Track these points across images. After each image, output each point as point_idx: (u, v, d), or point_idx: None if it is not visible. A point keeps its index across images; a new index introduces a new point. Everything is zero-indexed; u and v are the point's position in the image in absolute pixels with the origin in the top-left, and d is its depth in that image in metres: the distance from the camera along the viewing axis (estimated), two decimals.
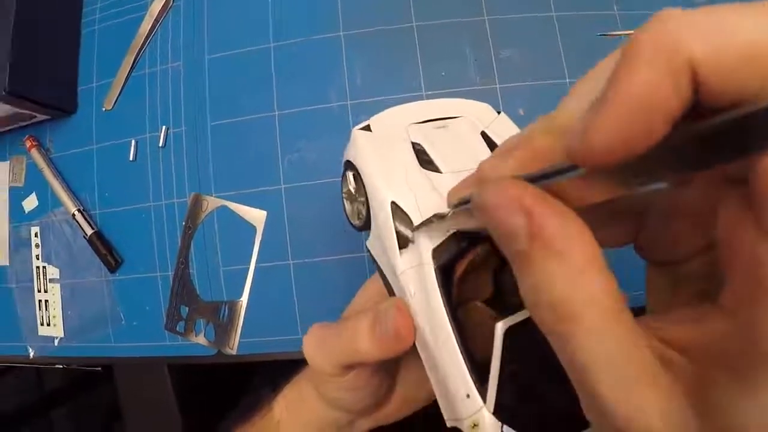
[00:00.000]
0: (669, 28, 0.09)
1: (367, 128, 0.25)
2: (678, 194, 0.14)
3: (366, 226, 0.24)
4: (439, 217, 0.19)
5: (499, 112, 0.28)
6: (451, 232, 0.20)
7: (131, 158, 0.47)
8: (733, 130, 0.09)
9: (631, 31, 0.46)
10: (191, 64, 0.47)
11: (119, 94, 0.48)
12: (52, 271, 0.49)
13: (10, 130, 0.49)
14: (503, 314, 0.19)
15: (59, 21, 0.48)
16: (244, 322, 0.44)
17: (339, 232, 0.43)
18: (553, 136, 0.13)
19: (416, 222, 0.21)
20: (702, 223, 0.14)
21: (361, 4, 0.45)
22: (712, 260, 0.14)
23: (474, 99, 0.28)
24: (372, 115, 0.44)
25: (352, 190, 0.25)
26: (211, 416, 0.56)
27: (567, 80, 0.45)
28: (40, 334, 0.49)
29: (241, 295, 0.44)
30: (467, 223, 0.18)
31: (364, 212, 0.24)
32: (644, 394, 0.11)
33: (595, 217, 0.12)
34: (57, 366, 0.51)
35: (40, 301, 0.49)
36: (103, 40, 0.49)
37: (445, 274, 0.20)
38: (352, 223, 0.26)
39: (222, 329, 0.44)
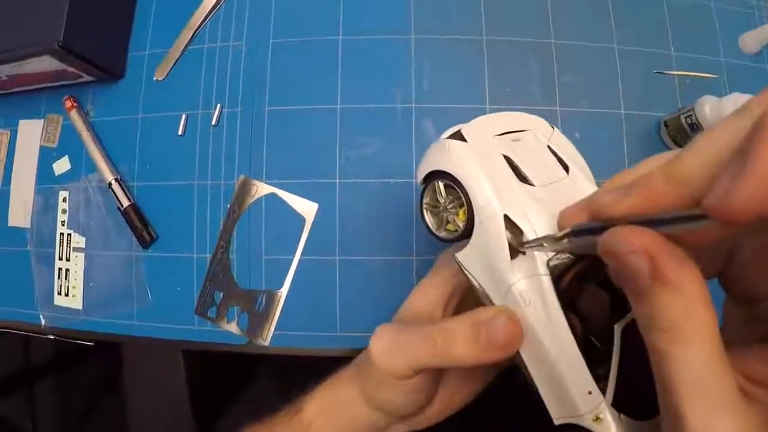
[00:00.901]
0: None
1: (458, 135, 0.25)
2: (767, 241, 0.16)
3: (459, 237, 0.24)
4: (551, 239, 0.20)
5: (553, 127, 0.28)
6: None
7: (180, 133, 0.45)
8: None
9: (686, 73, 0.48)
10: (254, 45, 0.46)
11: (173, 66, 0.46)
12: (77, 240, 0.46)
13: (49, 87, 0.47)
14: (582, 318, 0.21)
15: None
16: (281, 313, 0.43)
17: (389, 233, 0.43)
18: (673, 185, 0.14)
19: (528, 235, 0.21)
20: None
21: (434, 10, 0.46)
22: None
23: (541, 117, 0.28)
24: (436, 120, 0.44)
25: (441, 201, 0.25)
26: (219, 401, 0.54)
27: (622, 111, 0.46)
28: (55, 303, 0.46)
29: (281, 285, 0.43)
30: (579, 250, 0.20)
31: (459, 224, 0.24)
32: (725, 420, 0.13)
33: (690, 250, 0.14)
34: (48, 336, 0.49)
35: (60, 269, 0.46)
36: (162, 8, 0.48)
37: (555, 282, 0.21)
38: (437, 235, 0.26)
39: (257, 319, 0.43)
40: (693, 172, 0.13)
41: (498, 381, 0.29)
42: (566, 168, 0.25)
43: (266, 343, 0.43)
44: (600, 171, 0.44)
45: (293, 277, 0.43)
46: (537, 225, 0.21)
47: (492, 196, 0.22)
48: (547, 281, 0.21)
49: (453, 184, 0.24)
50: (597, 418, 0.20)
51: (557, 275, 0.21)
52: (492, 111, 0.45)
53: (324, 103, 0.44)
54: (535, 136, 0.27)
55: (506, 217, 0.22)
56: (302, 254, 0.43)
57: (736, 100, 0.41)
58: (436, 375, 0.26)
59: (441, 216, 0.26)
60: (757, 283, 0.17)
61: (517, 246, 0.21)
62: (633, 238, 0.14)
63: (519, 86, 0.45)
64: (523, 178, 0.24)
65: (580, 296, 0.22)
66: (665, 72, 0.48)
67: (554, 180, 0.24)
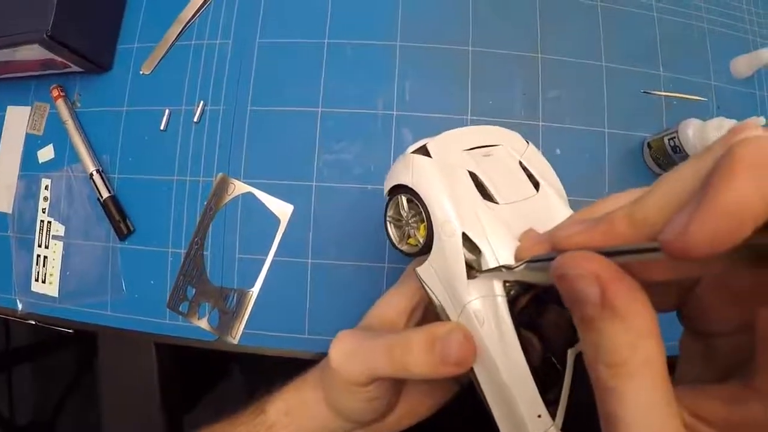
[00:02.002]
0: (765, 144, 0.11)
1: (423, 150, 0.25)
2: (727, 277, 0.16)
3: (419, 252, 0.24)
4: (507, 268, 0.20)
5: (527, 142, 0.28)
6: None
7: (162, 127, 0.45)
8: None
9: (674, 94, 0.47)
10: (240, 44, 0.46)
11: (160, 61, 0.46)
12: (57, 228, 0.47)
13: (38, 75, 0.47)
14: (542, 338, 0.21)
15: None
16: (251, 313, 0.43)
17: (362, 239, 0.43)
18: (634, 227, 0.14)
19: (486, 255, 0.21)
20: (743, 306, 0.15)
21: (421, 19, 0.46)
22: (746, 341, 0.15)
23: (518, 133, 0.28)
24: (416, 129, 0.44)
25: (404, 215, 0.25)
26: (188, 397, 0.55)
27: (606, 129, 0.46)
28: (32, 289, 0.47)
29: (253, 285, 0.43)
30: (534, 278, 0.20)
31: (419, 239, 0.24)
32: None
33: (650, 284, 0.14)
34: (29, 322, 0.49)
35: (38, 256, 0.47)
36: (153, 2, 0.48)
37: (511, 303, 0.21)
38: (398, 248, 0.26)
39: (227, 317, 0.43)
40: (653, 213, 0.13)
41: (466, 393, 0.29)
42: (537, 185, 0.25)
43: (235, 341, 0.43)
44: (579, 189, 0.44)
45: (265, 277, 0.43)
46: (496, 245, 0.21)
47: (452, 213, 0.22)
48: (502, 302, 0.21)
49: (415, 199, 0.24)
50: None
51: (514, 296, 0.21)
52: (473, 123, 0.45)
53: (305, 106, 0.44)
54: (508, 151, 0.27)
55: (465, 235, 0.22)
56: (275, 255, 0.43)
57: (720, 124, 0.41)
58: (396, 384, 0.26)
59: (403, 230, 0.26)
60: (715, 318, 0.17)
61: (476, 267, 0.21)
62: (584, 262, 0.14)
63: (502, 99, 0.45)
64: (488, 195, 0.23)
65: (542, 316, 0.22)
66: (652, 92, 0.47)
67: (522, 198, 0.24)
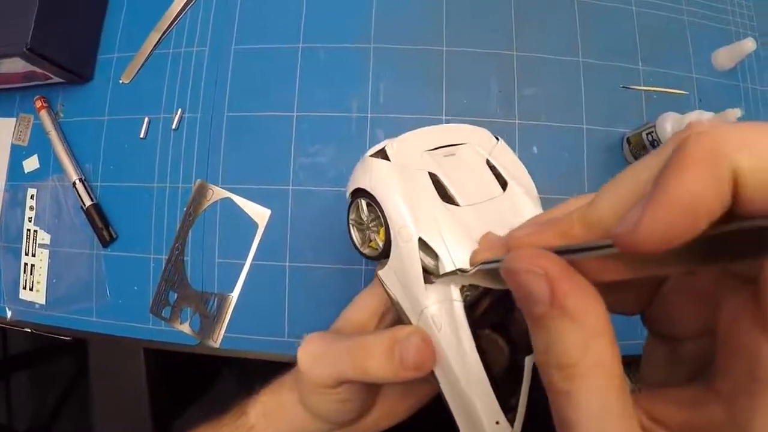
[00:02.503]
0: (719, 138, 0.10)
1: (382, 153, 0.25)
2: (690, 279, 0.15)
3: (380, 256, 0.24)
4: (462, 271, 0.20)
5: (497, 138, 0.28)
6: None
7: (142, 135, 0.46)
8: (751, 236, 0.10)
9: (654, 88, 0.47)
10: (216, 51, 0.46)
11: (139, 70, 0.47)
12: (43, 236, 0.48)
13: (22, 87, 0.48)
14: (510, 341, 0.21)
15: None
16: (231, 316, 0.44)
17: (338, 242, 0.43)
18: (587, 228, 0.13)
19: (444, 260, 0.21)
20: (706, 309, 0.15)
21: (394, 20, 0.46)
22: (710, 344, 0.15)
23: (492, 131, 0.28)
24: (390, 130, 0.44)
25: (364, 219, 0.25)
26: (177, 401, 0.55)
27: (584, 126, 0.46)
28: (20, 297, 0.48)
29: (232, 289, 0.44)
30: (488, 282, 0.19)
31: (379, 243, 0.24)
32: None
33: (612, 286, 0.14)
34: (26, 330, 0.50)
35: (26, 264, 0.48)
36: (131, 12, 0.49)
37: (468, 308, 0.21)
38: (360, 252, 0.26)
39: (208, 321, 0.44)
40: (607, 213, 0.13)
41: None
42: (505, 184, 0.25)
43: (216, 345, 0.44)
44: (558, 187, 0.44)
45: (244, 281, 0.44)
46: (454, 249, 0.21)
47: (408, 218, 0.22)
48: (458, 307, 0.20)
49: (373, 203, 0.24)
50: None
51: (472, 301, 0.21)
52: (449, 122, 0.45)
53: (281, 110, 0.45)
54: (474, 149, 0.26)
55: (422, 240, 0.21)
56: (254, 259, 0.44)
57: (698, 117, 0.40)
58: (370, 385, 0.26)
59: (365, 233, 0.26)
60: (679, 321, 0.16)
61: (434, 272, 0.21)
62: (534, 258, 0.13)
63: (477, 98, 0.45)
64: (449, 197, 0.23)
65: (509, 319, 0.22)
66: (632, 87, 0.47)
67: (486, 198, 0.24)
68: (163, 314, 0.45)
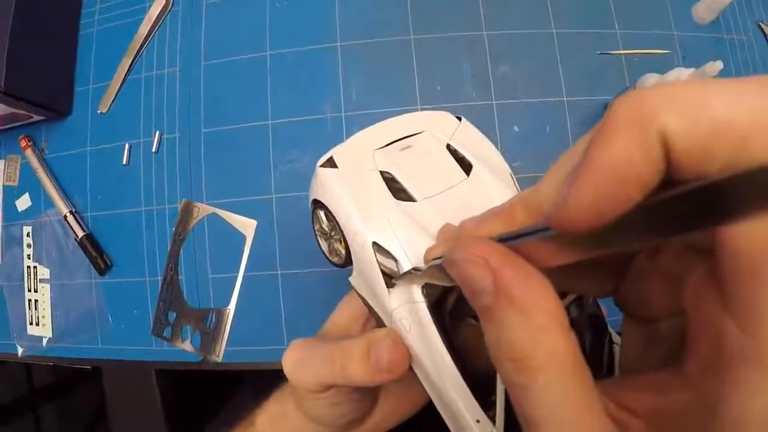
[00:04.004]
0: (644, 100, 0.09)
1: (331, 162, 0.24)
2: (655, 256, 0.15)
3: (345, 264, 0.24)
4: (416, 270, 0.19)
5: (459, 119, 0.27)
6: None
7: (124, 162, 0.47)
8: (696, 200, 0.09)
9: (633, 51, 0.45)
10: (187, 69, 0.47)
11: (115, 98, 0.48)
12: (43, 272, 0.49)
13: (6, 129, 0.49)
14: None
15: (57, 22, 0.48)
16: (230, 330, 0.44)
17: None
18: (529, 212, 0.13)
19: (401, 261, 0.20)
20: (674, 287, 0.14)
21: (359, 16, 0.45)
22: (683, 324, 0.14)
23: (470, 115, 0.27)
24: (365, 127, 0.44)
25: (326, 228, 0.25)
26: (195, 422, 0.56)
27: (564, 98, 0.44)
28: (29, 333, 0.49)
29: (228, 303, 0.44)
30: (440, 278, 0.19)
31: (342, 250, 0.23)
32: None
33: (578, 269, 0.13)
34: (48, 363, 0.52)
35: (29, 300, 0.49)
36: (101, 42, 0.49)
37: (436, 306, 0.20)
38: (330, 260, 0.25)
39: (208, 336, 0.44)
40: (545, 195, 0.12)
41: None
42: (469, 167, 0.24)
43: (219, 359, 0.44)
44: (542, 164, 0.43)
45: (239, 293, 0.44)
46: (409, 248, 0.20)
47: (360, 224, 0.22)
48: (422, 308, 0.20)
49: (329, 212, 0.23)
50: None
51: (436, 299, 0.20)
52: (424, 111, 0.44)
53: (257, 120, 0.45)
54: (432, 137, 0.25)
55: (377, 244, 0.21)
56: (246, 270, 0.44)
57: (678, 75, 0.39)
58: (361, 388, 0.26)
59: (330, 242, 0.25)
60: (649, 302, 0.15)
61: (394, 274, 0.21)
62: (473, 247, 0.12)
63: (450, 83, 0.44)
64: (405, 194, 0.23)
65: (463, 310, 0.21)
66: (610, 52, 0.45)
67: (447, 187, 0.23)
68: (164, 334, 0.45)
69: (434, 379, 0.20)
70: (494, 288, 0.12)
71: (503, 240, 0.13)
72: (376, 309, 0.23)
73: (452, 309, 0.20)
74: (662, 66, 0.44)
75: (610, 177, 0.09)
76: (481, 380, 0.19)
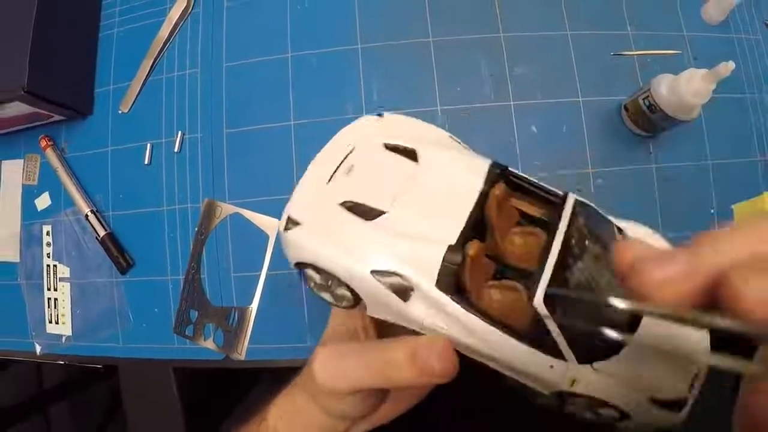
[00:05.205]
0: None
1: (292, 222, 0.24)
2: None
3: (356, 302, 0.24)
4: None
5: (380, 115, 0.27)
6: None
7: (146, 162, 0.47)
8: None
9: (645, 52, 0.46)
10: (209, 70, 0.47)
11: (136, 98, 0.48)
12: (63, 270, 0.49)
13: (26, 128, 0.50)
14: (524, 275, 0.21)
15: (78, 23, 0.49)
16: (253, 328, 0.44)
17: None
18: None
19: (405, 273, 0.21)
20: None
21: (379, 18, 0.46)
22: None
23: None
24: None
25: (321, 282, 0.24)
26: (213, 421, 0.56)
27: (580, 99, 0.45)
28: (48, 331, 0.49)
29: (251, 301, 0.44)
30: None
31: (347, 293, 0.24)
32: None
33: None
34: (59, 362, 0.52)
35: (49, 298, 0.49)
36: (122, 43, 0.50)
37: (457, 292, 0.21)
38: (341, 307, 0.25)
39: (231, 335, 0.45)
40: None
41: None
42: (414, 153, 0.24)
43: (242, 357, 0.44)
44: (561, 163, 0.44)
45: (262, 292, 0.44)
46: (403, 257, 0.21)
47: (350, 262, 0.22)
48: (447, 301, 0.21)
49: (316, 268, 0.23)
50: (573, 382, 0.20)
51: (455, 283, 0.21)
52: (445, 112, 0.45)
53: (279, 121, 0.45)
54: (366, 145, 0.26)
55: (376, 271, 0.22)
56: (269, 269, 0.44)
57: (691, 75, 0.40)
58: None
59: (332, 292, 0.25)
60: None
61: (406, 287, 0.21)
62: None
63: (469, 84, 0.45)
64: (373, 212, 0.23)
65: (479, 273, 0.22)
66: (623, 53, 0.47)
67: (405, 182, 0.24)
68: (186, 333, 0.45)
69: (493, 354, 0.21)
70: None
71: None
72: (404, 324, 0.23)
73: (473, 265, 0.21)
74: (674, 66, 0.45)
75: None
76: (529, 331, 0.20)
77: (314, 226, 0.23)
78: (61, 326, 0.48)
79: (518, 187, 0.25)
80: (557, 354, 0.20)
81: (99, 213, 0.48)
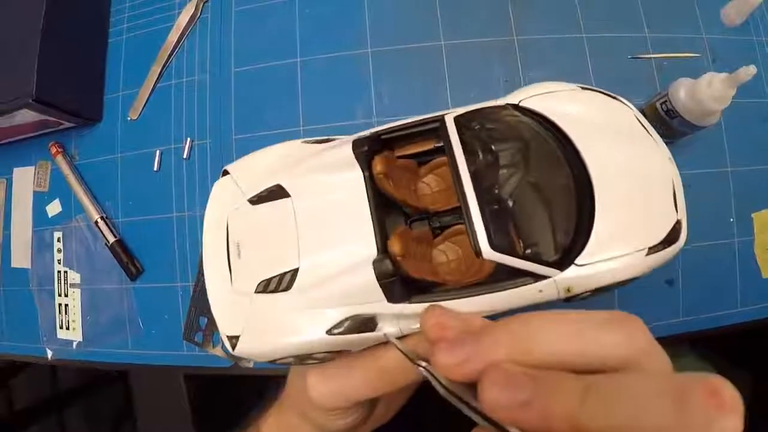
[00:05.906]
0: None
1: (231, 339, 0.25)
2: None
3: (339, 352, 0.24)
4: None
5: (226, 172, 0.28)
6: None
7: (155, 168, 0.47)
8: None
9: (663, 55, 0.45)
10: (217, 76, 0.47)
11: (145, 104, 0.48)
12: (73, 276, 0.49)
13: (37, 135, 0.50)
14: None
15: (87, 30, 0.49)
16: None
17: None
18: None
19: (354, 312, 0.22)
20: None
21: (389, 22, 0.45)
22: None
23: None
24: None
25: (298, 360, 0.25)
26: (223, 427, 0.56)
27: None
28: (59, 336, 0.49)
29: None
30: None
31: (327, 354, 0.24)
32: None
33: None
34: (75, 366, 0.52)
35: (60, 304, 0.49)
36: (130, 50, 0.49)
37: (403, 284, 0.21)
38: (321, 360, 0.26)
39: None
40: None
41: None
42: (283, 190, 0.24)
43: (250, 365, 0.44)
44: None
45: None
46: (344, 297, 0.22)
47: (303, 340, 0.23)
48: (403, 308, 0.21)
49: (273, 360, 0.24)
50: (569, 289, 0.21)
51: (394, 278, 0.21)
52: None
53: (288, 127, 0.45)
54: (235, 216, 0.25)
55: (330, 330, 0.22)
56: None
57: (710, 80, 0.39)
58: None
59: (314, 360, 0.25)
60: None
61: (364, 324, 0.22)
62: None
63: (483, 89, 0.44)
64: (288, 276, 0.23)
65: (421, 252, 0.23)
66: (640, 56, 0.45)
67: (294, 226, 0.23)
68: (195, 340, 0.45)
69: (487, 305, 0.22)
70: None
71: None
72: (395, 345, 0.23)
73: (416, 267, 0.22)
74: (692, 70, 0.43)
75: None
76: (498, 274, 0.21)
77: (251, 330, 0.23)
78: (72, 332, 0.49)
79: (396, 139, 0.25)
80: (538, 278, 0.20)
81: (109, 219, 0.48)
